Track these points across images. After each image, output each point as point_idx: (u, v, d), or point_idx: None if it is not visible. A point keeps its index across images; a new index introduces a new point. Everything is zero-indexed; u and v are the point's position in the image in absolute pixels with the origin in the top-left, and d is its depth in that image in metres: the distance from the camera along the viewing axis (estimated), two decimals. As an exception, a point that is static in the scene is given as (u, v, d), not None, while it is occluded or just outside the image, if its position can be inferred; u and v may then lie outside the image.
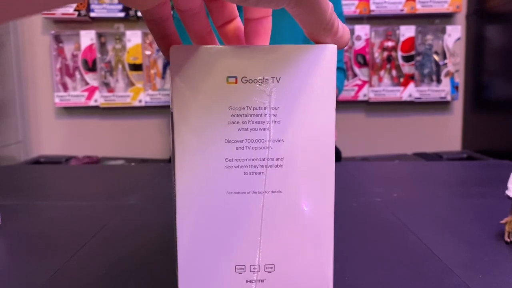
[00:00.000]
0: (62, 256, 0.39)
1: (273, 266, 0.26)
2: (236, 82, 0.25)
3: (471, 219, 0.48)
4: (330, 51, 0.25)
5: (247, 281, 0.26)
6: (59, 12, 1.86)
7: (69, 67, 1.96)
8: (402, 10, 1.87)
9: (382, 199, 0.57)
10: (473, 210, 0.51)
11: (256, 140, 0.25)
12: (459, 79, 1.96)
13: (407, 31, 1.91)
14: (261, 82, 0.25)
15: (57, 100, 1.94)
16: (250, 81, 0.25)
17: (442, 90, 1.92)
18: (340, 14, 1.18)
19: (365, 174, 0.74)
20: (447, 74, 1.94)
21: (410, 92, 1.92)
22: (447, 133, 2.02)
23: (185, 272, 0.26)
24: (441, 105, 2.01)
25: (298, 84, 0.25)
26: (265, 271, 0.26)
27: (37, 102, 2.02)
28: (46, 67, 1.99)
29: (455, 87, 1.94)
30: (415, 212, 0.51)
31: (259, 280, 0.26)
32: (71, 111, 2.01)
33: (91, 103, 1.94)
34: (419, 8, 1.87)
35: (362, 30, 1.91)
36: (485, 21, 1.84)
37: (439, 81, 1.94)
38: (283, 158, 0.25)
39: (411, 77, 1.92)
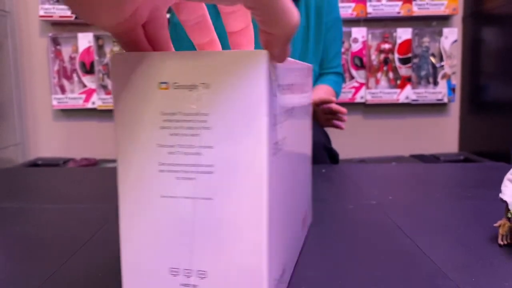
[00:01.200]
0: (58, 259, 0.39)
1: (205, 272, 0.26)
2: (168, 88, 0.25)
3: (466, 221, 0.49)
4: (260, 57, 0.24)
5: (180, 284, 0.27)
6: (57, 14, 1.86)
7: (66, 69, 1.96)
8: (399, 12, 1.88)
9: (377, 202, 0.57)
10: (468, 213, 0.52)
11: (187, 146, 0.25)
12: (456, 81, 1.97)
13: (404, 34, 1.92)
14: (191, 88, 0.25)
15: (54, 102, 1.94)
16: (181, 87, 0.25)
17: (439, 92, 1.93)
18: (337, 18, 1.18)
19: (361, 176, 0.74)
20: (444, 76, 1.95)
21: (407, 94, 1.93)
22: (444, 135, 2.03)
23: (128, 271, 0.27)
24: (438, 107, 2.02)
25: (228, 90, 0.24)
26: (197, 277, 0.26)
27: (35, 104, 2.02)
28: (43, 70, 1.99)
29: (452, 89, 1.95)
30: (410, 215, 0.51)
31: (192, 286, 0.26)
32: (68, 113, 2.02)
33: (89, 105, 1.94)
34: (416, 11, 1.88)
35: (359, 32, 1.92)
36: (482, 23, 1.84)
37: (436, 83, 1.95)
38: (213, 165, 0.25)
39: (408, 79, 1.93)
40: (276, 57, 0.25)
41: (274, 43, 0.24)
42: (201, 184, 0.25)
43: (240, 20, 0.28)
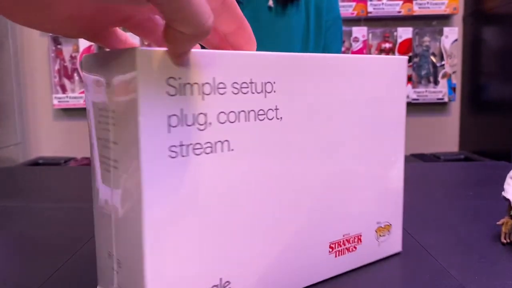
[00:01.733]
0: (59, 258, 0.40)
1: (120, 262, 0.27)
2: (100, 85, 0.27)
3: (468, 220, 0.49)
4: (131, 54, 0.23)
5: (111, 268, 0.28)
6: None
7: (67, 68, 1.96)
8: (399, 12, 1.88)
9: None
10: (470, 211, 0.52)
11: (105, 139, 0.26)
12: (456, 80, 1.97)
13: (404, 33, 1.92)
14: (107, 86, 0.26)
15: (55, 101, 1.94)
16: (103, 83, 0.26)
17: (439, 91, 1.93)
18: (337, 16, 1.18)
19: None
20: (444, 75, 1.95)
21: (408, 93, 1.93)
22: (444, 134, 2.03)
23: (96, 254, 0.31)
24: (438, 106, 2.02)
25: (122, 87, 0.24)
26: (117, 264, 0.27)
27: (36, 103, 2.02)
28: (44, 69, 1.99)
29: (452, 89, 1.95)
30: (412, 214, 0.51)
31: (115, 271, 0.27)
32: (69, 112, 2.01)
33: (90, 104, 1.94)
34: (417, 10, 1.88)
35: (360, 32, 1.92)
36: (482, 22, 1.84)
37: (436, 82, 1.95)
38: (117, 160, 0.25)
39: (408, 79, 1.93)
40: (175, 56, 0.24)
41: (181, 41, 0.22)
42: (113, 177, 0.26)
43: (227, 22, 0.27)
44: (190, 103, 0.25)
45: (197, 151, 0.26)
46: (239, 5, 1.14)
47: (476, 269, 0.36)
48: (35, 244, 0.43)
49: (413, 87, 1.94)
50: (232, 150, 0.27)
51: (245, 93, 0.27)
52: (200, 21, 0.20)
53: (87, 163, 1.75)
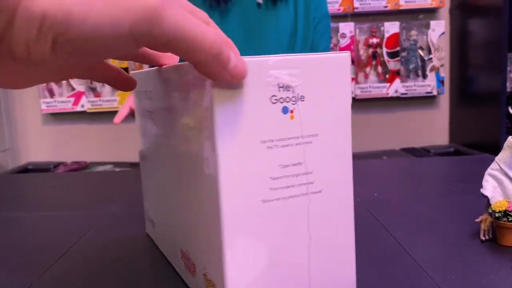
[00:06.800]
0: (37, 269, 0.39)
1: None
2: None
3: (449, 217, 0.49)
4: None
5: None
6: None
7: (54, 73, 1.94)
8: (385, 6, 1.88)
9: (362, 199, 0.57)
10: (452, 208, 0.52)
11: None
12: (445, 73, 1.98)
13: (391, 28, 1.92)
14: None
15: (43, 106, 1.92)
16: None
17: (428, 85, 1.94)
18: (325, 14, 1.18)
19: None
20: (433, 69, 1.95)
21: (396, 87, 1.93)
22: (434, 127, 2.04)
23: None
24: (427, 100, 2.02)
25: None
26: None
27: (24, 109, 2.01)
28: (31, 74, 1.97)
29: (440, 82, 1.95)
30: (394, 212, 0.51)
31: None
32: (58, 117, 2.00)
33: (78, 108, 1.93)
34: (403, 4, 1.88)
35: (347, 27, 1.91)
36: (468, 15, 1.85)
37: (424, 76, 1.95)
38: None
39: (396, 73, 1.93)
40: (226, 79, 0.23)
41: (205, 68, 0.23)
42: None
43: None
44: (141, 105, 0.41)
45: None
46: (227, 2, 1.13)
47: (452, 268, 0.36)
48: (13, 256, 0.43)
49: (402, 81, 1.94)
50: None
51: (140, 97, 0.40)
52: (198, 45, 0.21)
53: (76, 167, 1.74)
